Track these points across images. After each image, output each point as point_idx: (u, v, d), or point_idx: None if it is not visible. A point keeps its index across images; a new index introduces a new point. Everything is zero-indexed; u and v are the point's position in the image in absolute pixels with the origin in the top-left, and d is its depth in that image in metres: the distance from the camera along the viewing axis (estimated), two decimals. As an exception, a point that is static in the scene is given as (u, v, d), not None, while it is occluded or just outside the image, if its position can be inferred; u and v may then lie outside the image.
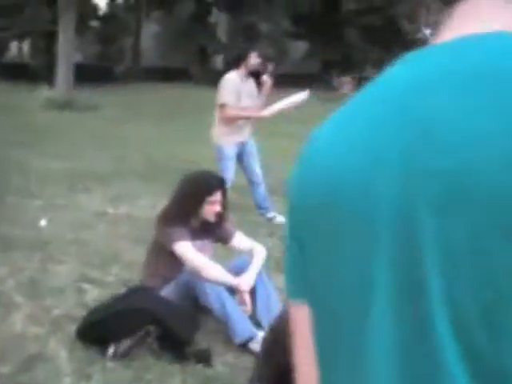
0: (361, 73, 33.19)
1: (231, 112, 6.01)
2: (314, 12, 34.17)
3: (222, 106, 6.01)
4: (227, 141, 6.11)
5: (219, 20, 38.88)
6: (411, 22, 34.87)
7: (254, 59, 6.06)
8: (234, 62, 6.22)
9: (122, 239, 5.25)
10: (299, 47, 36.60)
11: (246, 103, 6.12)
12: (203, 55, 36.12)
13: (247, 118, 6.18)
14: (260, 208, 6.38)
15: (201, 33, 33.97)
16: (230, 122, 6.04)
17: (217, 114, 6.18)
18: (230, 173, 6.06)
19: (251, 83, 6.25)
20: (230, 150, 6.13)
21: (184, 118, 16.23)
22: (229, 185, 6.10)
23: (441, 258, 0.55)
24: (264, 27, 35.29)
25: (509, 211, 0.51)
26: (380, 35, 32.85)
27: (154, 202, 6.61)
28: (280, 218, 6.13)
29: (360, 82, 32.68)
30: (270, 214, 6.28)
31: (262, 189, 6.38)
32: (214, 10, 37.04)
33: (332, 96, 28.14)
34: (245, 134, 6.26)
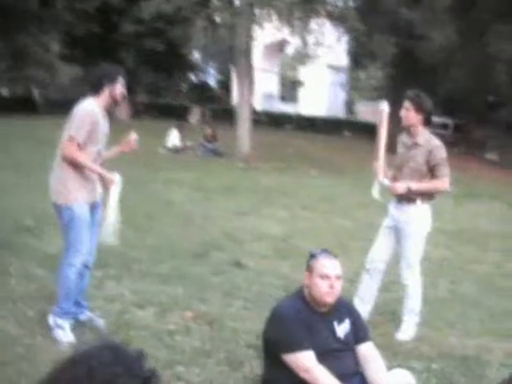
0: (134, 98, 30.59)
1: (78, 155, 4.24)
2: (91, 34, 32.88)
3: (70, 140, 4.23)
4: (78, 197, 4.34)
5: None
6: (184, 44, 34.74)
7: (120, 87, 4.46)
8: (93, 88, 4.45)
9: None
10: (72, 71, 31.73)
11: (101, 146, 4.49)
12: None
13: (93, 172, 4.41)
14: (78, 305, 4.56)
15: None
16: (76, 167, 4.31)
17: (61, 157, 4.35)
18: (84, 241, 4.36)
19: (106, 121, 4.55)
20: (84, 210, 4.36)
21: None
22: (83, 258, 4.36)
23: None
24: (34, 51, 30.65)
25: None
26: (160, 59, 31.31)
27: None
28: (100, 323, 4.54)
29: (134, 106, 29.15)
30: (84, 316, 4.61)
31: (87, 278, 4.67)
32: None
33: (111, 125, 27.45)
34: (97, 192, 4.54)
